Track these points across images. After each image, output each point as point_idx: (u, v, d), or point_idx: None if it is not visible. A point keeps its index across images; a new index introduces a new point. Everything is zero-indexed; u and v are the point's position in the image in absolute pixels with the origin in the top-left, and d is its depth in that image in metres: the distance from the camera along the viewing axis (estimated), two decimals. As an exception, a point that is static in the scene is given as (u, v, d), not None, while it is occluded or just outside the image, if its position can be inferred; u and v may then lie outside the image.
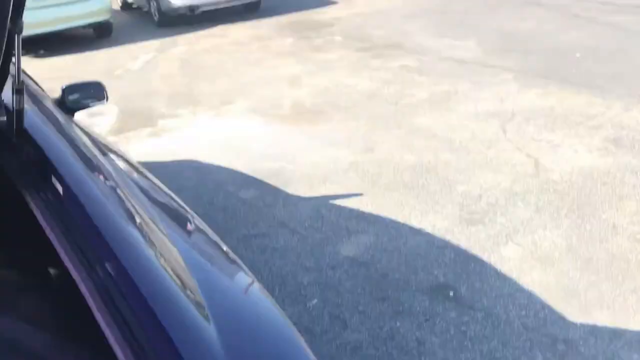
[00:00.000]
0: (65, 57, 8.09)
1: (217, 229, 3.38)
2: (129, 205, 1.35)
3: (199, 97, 5.86)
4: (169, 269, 1.09)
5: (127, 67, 7.34)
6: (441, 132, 4.40)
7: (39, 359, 1.13)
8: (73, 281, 1.02)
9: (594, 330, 2.32)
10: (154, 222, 1.36)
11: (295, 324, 2.53)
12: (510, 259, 2.83)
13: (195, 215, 1.63)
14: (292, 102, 5.50)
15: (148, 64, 7.43)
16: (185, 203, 3.58)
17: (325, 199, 3.57)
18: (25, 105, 1.40)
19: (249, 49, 7.71)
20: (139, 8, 10.75)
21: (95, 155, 1.60)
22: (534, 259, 2.81)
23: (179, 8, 9.20)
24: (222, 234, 3.33)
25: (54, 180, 1.26)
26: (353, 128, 4.69)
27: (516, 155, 3.88)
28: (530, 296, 2.54)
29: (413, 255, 2.92)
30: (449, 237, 3.04)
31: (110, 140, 4.91)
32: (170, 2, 9.12)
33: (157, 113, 5.52)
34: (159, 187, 1.85)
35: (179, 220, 1.65)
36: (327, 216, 3.36)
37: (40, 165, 1.32)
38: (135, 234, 1.17)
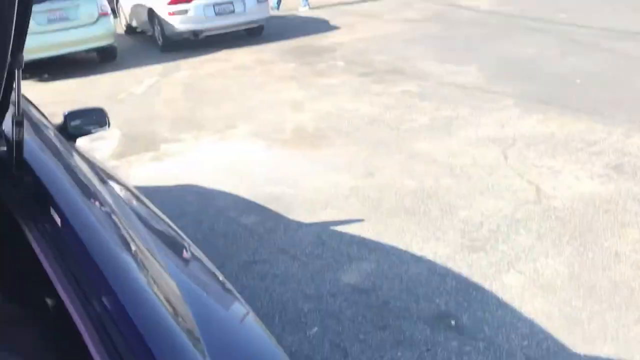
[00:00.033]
0: (69, 81, 8.16)
1: (217, 255, 3.40)
2: (127, 236, 1.35)
3: (202, 121, 5.90)
4: (164, 300, 1.08)
5: (130, 91, 7.39)
6: (442, 158, 4.41)
7: None
8: (69, 313, 1.02)
9: (597, 362, 2.29)
10: (152, 253, 1.37)
11: (295, 352, 2.51)
12: (512, 287, 2.81)
13: (191, 243, 1.65)
14: (295, 126, 5.52)
15: (151, 88, 7.49)
16: (186, 228, 3.58)
17: (326, 224, 3.57)
18: (26, 135, 1.41)
19: (252, 73, 7.77)
20: (143, 32, 10.86)
21: (94, 185, 1.61)
22: (536, 287, 2.79)
23: (182, 32, 9.30)
24: (223, 260, 3.35)
25: (52, 211, 1.26)
26: (354, 153, 4.70)
27: (517, 182, 3.88)
28: (532, 325, 2.52)
29: (414, 283, 2.90)
30: (450, 265, 3.03)
31: (112, 164, 4.95)
32: (174, 27, 9.23)
33: (159, 137, 5.55)
34: (157, 215, 1.88)
35: (176, 249, 1.67)
36: (328, 242, 3.35)
37: (38, 197, 1.33)
38: (132, 265, 1.17)
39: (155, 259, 1.35)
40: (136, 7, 10.47)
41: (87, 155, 2.57)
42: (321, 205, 3.81)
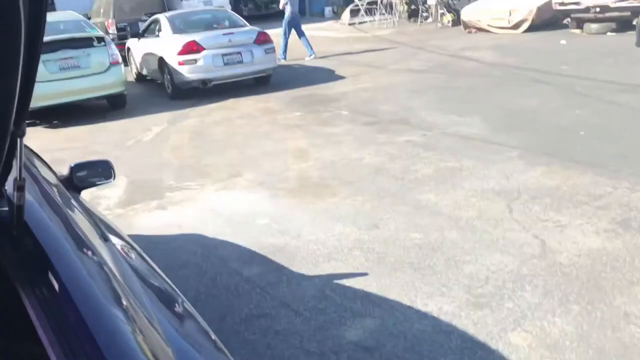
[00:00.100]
0: (78, 128, 8.28)
1: (219, 308, 3.35)
2: (123, 298, 1.35)
3: (207, 170, 5.93)
4: None
5: (138, 138, 7.48)
6: (447, 210, 4.39)
7: None
8: None
9: None
10: (147, 314, 1.37)
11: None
12: (518, 346, 2.75)
13: (185, 300, 1.72)
14: (299, 175, 5.55)
15: (159, 135, 7.57)
16: (188, 280, 3.56)
17: (330, 278, 3.53)
18: (28, 195, 1.43)
19: (258, 121, 7.87)
20: (153, 80, 11.07)
21: (93, 244, 1.63)
22: (543, 348, 2.72)
23: (192, 81, 9.47)
24: (224, 314, 3.30)
25: (50, 276, 1.26)
26: (359, 203, 4.69)
27: (523, 236, 3.85)
28: (540, 388, 2.45)
29: (419, 341, 2.84)
30: (455, 322, 2.97)
31: (118, 212, 4.96)
32: (183, 75, 9.40)
33: (165, 185, 5.57)
34: (154, 270, 1.96)
35: (170, 306, 1.71)
36: (331, 297, 3.31)
37: (37, 260, 1.33)
38: (128, 335, 1.16)
39: (151, 322, 1.35)
40: (147, 56, 10.70)
41: (89, 208, 2.61)
42: (325, 258, 3.79)
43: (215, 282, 3.60)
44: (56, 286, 1.24)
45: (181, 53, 9.31)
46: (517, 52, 10.99)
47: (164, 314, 1.57)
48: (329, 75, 10.63)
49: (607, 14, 11.54)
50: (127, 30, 13.50)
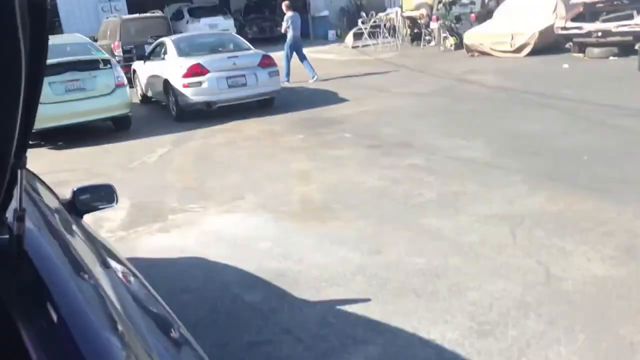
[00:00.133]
0: (82, 149, 8.31)
1: (221, 335, 3.32)
2: (122, 329, 1.35)
3: (210, 192, 5.93)
4: None
5: (142, 160, 7.50)
6: (450, 235, 4.37)
7: None
8: None
9: None
10: (146, 346, 1.37)
11: None
12: (523, 376, 2.71)
13: (181, 325, 1.75)
14: (302, 198, 5.54)
15: (163, 157, 7.60)
16: (189, 305, 3.53)
17: (332, 304, 3.50)
18: (29, 222, 1.44)
19: (262, 144, 7.89)
20: (158, 102, 11.15)
21: (93, 272, 1.63)
22: (548, 378, 2.68)
23: (196, 103, 9.53)
24: (226, 340, 3.27)
25: (48, 307, 1.25)
26: (361, 228, 4.68)
27: (526, 262, 3.82)
28: (545, 420, 2.41)
29: (422, 370, 2.80)
30: (459, 350, 2.94)
31: (120, 235, 4.95)
32: (188, 98, 9.46)
33: (168, 207, 5.57)
34: (153, 296, 1.99)
35: (167, 333, 1.74)
36: (333, 323, 3.27)
37: (35, 291, 1.32)
38: None
39: (147, 351, 1.36)
40: (152, 78, 10.79)
41: (91, 233, 2.62)
42: (327, 283, 3.76)
43: (216, 307, 3.58)
44: (54, 317, 1.23)
45: (186, 76, 9.38)
46: (520, 75, 11.04)
47: (161, 341, 1.59)
48: (332, 98, 10.68)
49: (609, 39, 11.61)
50: (133, 53, 13.64)
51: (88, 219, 2.79)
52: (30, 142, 8.39)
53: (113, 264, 2.32)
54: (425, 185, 5.53)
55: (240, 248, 4.48)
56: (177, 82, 9.52)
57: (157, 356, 1.35)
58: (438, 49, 16.14)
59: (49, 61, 8.12)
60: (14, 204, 1.52)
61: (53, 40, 9.25)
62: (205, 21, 20.36)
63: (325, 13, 23.54)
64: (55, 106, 8.15)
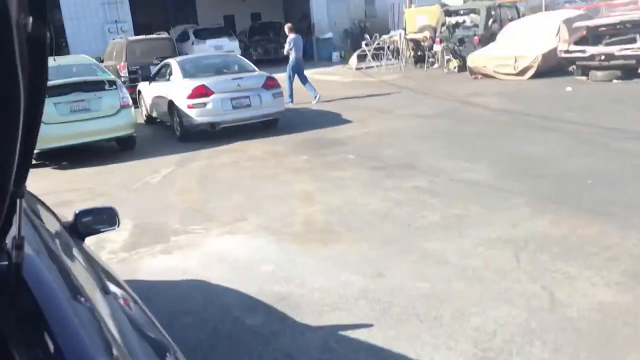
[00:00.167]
0: (86, 170, 8.33)
1: (221, 359, 3.26)
2: (119, 356, 1.34)
3: (213, 213, 5.92)
4: None
5: (146, 180, 7.51)
6: (454, 259, 4.34)
7: None
8: None
9: None
10: None
11: None
12: (528, 405, 2.66)
13: (177, 350, 1.79)
14: (304, 220, 5.52)
15: (167, 178, 7.60)
16: (190, 329, 3.50)
17: (334, 329, 3.47)
18: (28, 249, 1.44)
19: (265, 164, 7.90)
20: (162, 122, 11.20)
21: (92, 299, 1.63)
22: (553, 407, 2.64)
23: (200, 124, 9.58)
24: (225, 365, 3.21)
25: (45, 336, 1.24)
26: (365, 251, 4.65)
27: (531, 287, 3.78)
28: None
29: (425, 397, 2.76)
30: (462, 378, 2.89)
31: (122, 256, 4.93)
32: (192, 119, 9.51)
33: (170, 229, 5.56)
34: (151, 321, 2.01)
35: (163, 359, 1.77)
36: (335, 348, 3.24)
37: (33, 319, 1.32)
38: None
39: None
40: (157, 99, 10.87)
41: (92, 256, 2.61)
42: (329, 307, 3.73)
43: (217, 331, 3.55)
44: (51, 346, 1.22)
45: (190, 97, 9.44)
46: (523, 98, 11.07)
47: None
48: (336, 119, 10.72)
49: (612, 62, 11.66)
50: (139, 74, 13.75)
51: (90, 239, 2.79)
52: (35, 162, 8.48)
53: (112, 288, 2.32)
54: (428, 208, 5.51)
55: (242, 270, 4.46)
56: (182, 103, 9.58)
57: None
58: (441, 71, 16.22)
59: (55, 82, 8.22)
60: (13, 230, 1.52)
61: (59, 61, 9.36)
62: (210, 42, 20.56)
63: (329, 35, 23.75)
64: (60, 126, 8.20)
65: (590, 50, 11.94)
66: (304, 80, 12.92)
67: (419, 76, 16.04)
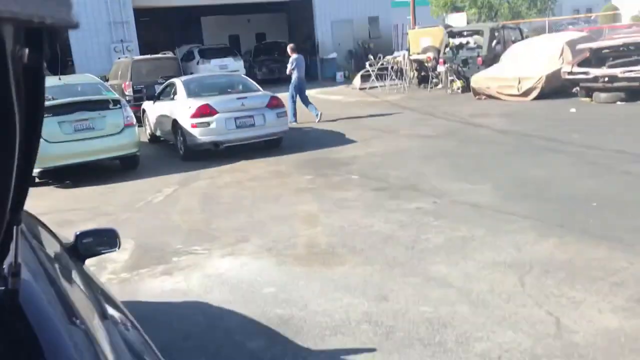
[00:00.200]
0: (89, 189, 8.32)
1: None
2: None
3: (215, 234, 5.89)
4: None
5: (148, 200, 7.49)
6: (458, 282, 4.29)
7: None
8: None
9: None
10: None
11: None
12: None
13: None
14: (307, 241, 5.49)
15: (169, 197, 7.59)
16: (190, 353, 3.45)
17: (336, 353, 3.42)
18: (26, 274, 1.43)
19: (268, 184, 7.88)
20: (166, 141, 11.23)
21: (89, 325, 1.62)
22: None
23: (204, 143, 9.59)
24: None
25: None
26: (368, 273, 4.60)
27: (536, 312, 3.73)
28: None
29: None
30: (467, 406, 2.83)
31: (123, 276, 4.90)
32: (196, 138, 9.53)
33: (172, 249, 5.52)
34: (149, 346, 2.01)
35: None
36: (337, 374, 3.18)
37: (28, 347, 1.30)
38: None
39: None
40: (161, 118, 10.90)
41: (92, 278, 2.60)
42: (331, 331, 3.68)
43: (218, 355, 3.50)
44: None
45: (194, 116, 9.47)
46: (527, 119, 11.07)
47: None
48: (339, 139, 10.73)
49: (616, 84, 11.67)
50: (143, 93, 13.83)
51: (92, 259, 2.77)
52: (38, 181, 8.48)
53: (111, 311, 2.30)
54: (432, 230, 5.47)
55: (243, 292, 4.41)
56: (186, 122, 9.60)
57: None
58: (445, 92, 16.27)
59: (59, 101, 8.26)
60: (11, 256, 1.51)
61: (64, 80, 9.42)
62: (215, 62, 20.71)
63: (333, 55, 23.92)
64: (64, 145, 8.22)
65: (594, 72, 11.96)
66: (305, 101, 13.03)
67: (423, 96, 16.09)
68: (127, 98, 13.43)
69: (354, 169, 8.31)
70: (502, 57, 15.00)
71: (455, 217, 5.78)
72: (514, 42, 16.45)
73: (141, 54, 18.80)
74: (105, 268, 5.08)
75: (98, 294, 2.37)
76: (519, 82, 13.36)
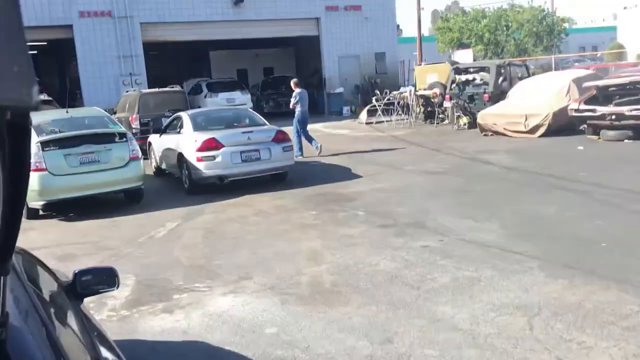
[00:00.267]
0: (93, 222, 8.28)
1: None
2: None
3: (218, 271, 5.81)
4: None
5: (151, 234, 7.44)
6: (464, 325, 4.18)
7: None
8: None
9: None
10: None
11: None
12: None
13: None
14: (311, 280, 5.39)
15: (172, 232, 7.53)
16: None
17: (339, 400, 3.30)
18: (18, 320, 1.40)
19: (273, 220, 7.82)
20: (171, 174, 11.23)
21: None
22: None
23: (209, 177, 9.58)
24: None
25: None
26: (372, 314, 4.50)
27: (545, 358, 3.61)
28: None
29: None
30: None
31: (122, 313, 4.81)
32: (201, 172, 9.52)
33: (173, 286, 5.44)
34: None
35: None
36: (339, 422, 3.06)
37: None
38: None
39: None
40: (166, 151, 10.93)
41: (88, 318, 2.54)
42: (334, 376, 3.57)
43: (216, 399, 3.39)
44: None
45: (200, 149, 9.48)
46: (534, 156, 11.02)
47: None
48: (345, 174, 10.70)
49: (623, 122, 11.64)
50: (150, 126, 13.92)
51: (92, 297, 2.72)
52: (42, 213, 8.46)
53: (105, 353, 2.25)
54: (438, 269, 5.37)
55: (245, 332, 4.31)
56: (191, 156, 9.61)
57: None
58: (451, 128, 16.29)
59: (65, 134, 8.30)
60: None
61: (71, 113, 9.49)
62: (223, 95, 20.91)
63: (340, 90, 24.12)
64: (69, 178, 8.23)
65: (601, 109, 11.95)
66: (309, 138, 13.13)
67: (429, 132, 16.11)
68: (134, 131, 13.51)
69: (360, 204, 8.25)
70: (508, 94, 15.05)
71: (462, 256, 5.68)
72: (520, 78, 16.54)
73: (150, 87, 19.03)
74: (105, 304, 5.00)
75: (93, 336, 2.32)
76: (526, 119, 13.36)
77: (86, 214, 8.57)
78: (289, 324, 4.40)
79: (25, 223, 8.23)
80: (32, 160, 7.97)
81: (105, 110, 10.99)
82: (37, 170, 7.93)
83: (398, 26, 31.33)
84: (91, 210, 8.75)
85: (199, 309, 4.84)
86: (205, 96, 21.24)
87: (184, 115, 10.71)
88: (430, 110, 17.88)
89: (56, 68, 29.60)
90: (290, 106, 13.41)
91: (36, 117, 8.89)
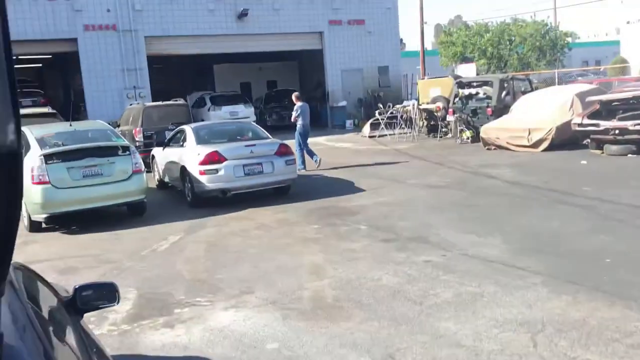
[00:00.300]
0: (96, 235, 8.28)
1: None
2: None
3: (219, 285, 5.78)
4: None
5: (153, 247, 7.42)
6: (467, 341, 4.14)
7: None
8: None
9: None
10: None
11: None
12: None
13: None
14: (313, 295, 5.36)
15: (175, 245, 7.51)
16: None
17: (340, 417, 3.26)
18: (15, 339, 1.40)
19: (275, 233, 7.80)
20: (173, 187, 11.24)
21: None
22: None
23: (211, 190, 9.58)
24: None
25: None
26: (375, 329, 4.47)
27: (550, 376, 3.57)
28: None
29: None
30: None
31: (123, 328, 4.78)
32: (204, 185, 9.52)
33: (174, 300, 5.42)
34: None
35: None
36: None
37: None
38: None
39: None
40: (170, 164, 10.95)
41: (87, 334, 2.52)
42: (335, 393, 3.53)
43: (216, 416, 3.35)
44: None
45: (203, 163, 9.49)
46: (537, 171, 11.00)
47: None
48: (348, 188, 10.68)
49: (627, 136, 11.62)
50: (154, 139, 13.95)
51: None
52: (45, 226, 8.45)
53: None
54: (441, 284, 5.34)
55: (246, 347, 4.28)
56: (194, 169, 9.62)
57: None
58: (454, 142, 16.29)
59: (69, 147, 8.32)
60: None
61: (75, 126, 9.52)
62: (226, 109, 20.99)
63: (343, 103, 24.20)
64: (72, 191, 8.23)
65: (604, 124, 11.94)
66: (310, 152, 13.16)
67: (432, 146, 16.11)
68: (137, 144, 13.55)
69: (362, 218, 8.22)
70: (512, 108, 15.05)
71: (465, 272, 5.64)
72: (523, 93, 16.55)
73: (153, 100, 19.12)
74: (106, 318, 4.98)
75: (92, 353, 2.30)
76: (529, 133, 13.35)
77: (89, 227, 8.56)
78: (291, 339, 4.37)
79: (27, 236, 8.24)
80: (35, 173, 7.99)
81: (109, 123, 11.04)
82: (40, 183, 7.95)
83: (401, 40, 31.53)
84: (94, 223, 8.75)
85: (200, 324, 4.81)
86: (208, 109, 21.33)
87: (187, 129, 10.73)
88: (433, 124, 17.89)
89: (61, 81, 29.80)
90: (292, 119, 13.47)
91: (40, 130, 8.93)
